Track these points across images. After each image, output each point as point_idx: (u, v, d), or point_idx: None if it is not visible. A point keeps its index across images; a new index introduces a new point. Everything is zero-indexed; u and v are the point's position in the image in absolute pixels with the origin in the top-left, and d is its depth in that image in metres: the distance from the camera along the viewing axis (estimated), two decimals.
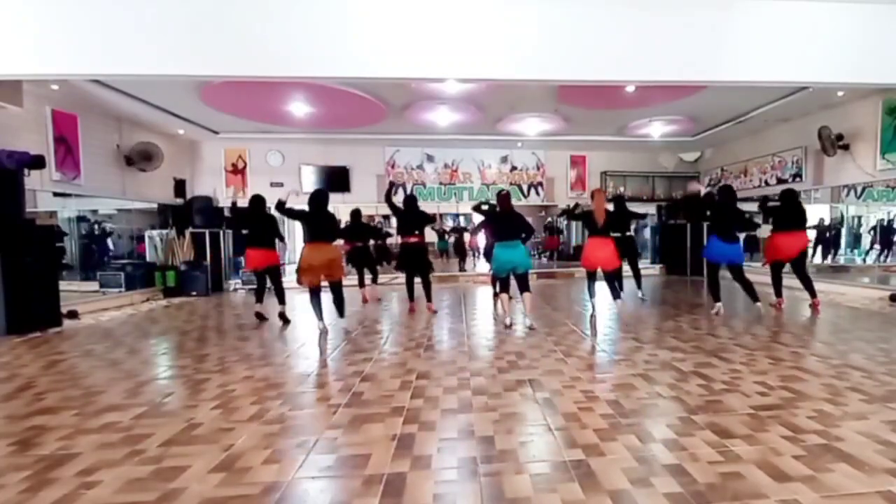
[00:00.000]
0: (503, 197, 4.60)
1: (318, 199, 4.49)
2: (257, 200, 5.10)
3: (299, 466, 1.82)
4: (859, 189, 9.50)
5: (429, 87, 5.93)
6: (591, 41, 3.62)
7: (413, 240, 5.37)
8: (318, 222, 4.44)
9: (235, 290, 8.23)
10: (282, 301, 5.02)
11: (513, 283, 4.65)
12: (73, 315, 5.43)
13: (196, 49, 3.39)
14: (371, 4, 3.48)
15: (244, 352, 3.71)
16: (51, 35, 3.32)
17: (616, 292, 4.94)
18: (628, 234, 5.94)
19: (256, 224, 5.03)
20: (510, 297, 4.67)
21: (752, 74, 3.78)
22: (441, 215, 11.26)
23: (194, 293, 7.44)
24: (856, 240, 10.84)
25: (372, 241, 7.19)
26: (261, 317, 5.04)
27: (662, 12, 3.63)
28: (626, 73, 3.75)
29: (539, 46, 3.59)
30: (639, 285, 6.17)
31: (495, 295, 4.83)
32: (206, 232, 8.06)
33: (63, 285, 5.55)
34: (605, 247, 4.81)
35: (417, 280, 5.58)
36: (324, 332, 4.30)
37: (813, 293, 5.15)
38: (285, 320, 4.87)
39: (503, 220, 4.52)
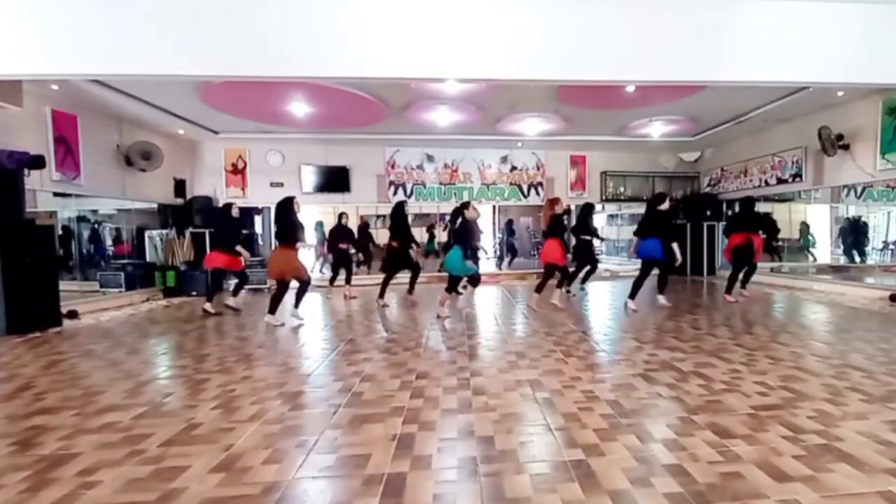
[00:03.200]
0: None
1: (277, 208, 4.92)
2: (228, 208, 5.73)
3: (299, 466, 1.82)
4: (859, 189, 9.50)
5: (429, 87, 5.93)
6: (591, 41, 3.62)
7: (394, 244, 6.06)
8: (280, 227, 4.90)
9: None
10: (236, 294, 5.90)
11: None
12: (72, 315, 5.43)
13: (196, 49, 3.38)
14: (371, 4, 3.47)
15: (244, 352, 3.71)
16: (52, 35, 3.31)
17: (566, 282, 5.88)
18: (584, 238, 6.68)
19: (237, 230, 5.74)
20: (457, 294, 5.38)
21: (752, 74, 3.77)
22: (441, 215, 11.25)
23: (194, 293, 7.44)
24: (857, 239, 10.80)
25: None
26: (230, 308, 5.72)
27: (662, 12, 3.63)
28: (626, 73, 3.75)
29: (539, 46, 3.58)
30: (569, 283, 6.66)
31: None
32: (206, 232, 8.06)
33: (63, 285, 5.55)
34: (547, 246, 5.56)
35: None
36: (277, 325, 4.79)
37: (740, 286, 5.99)
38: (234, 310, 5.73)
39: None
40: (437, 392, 2.64)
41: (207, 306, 5.54)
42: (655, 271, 5.44)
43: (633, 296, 5.34)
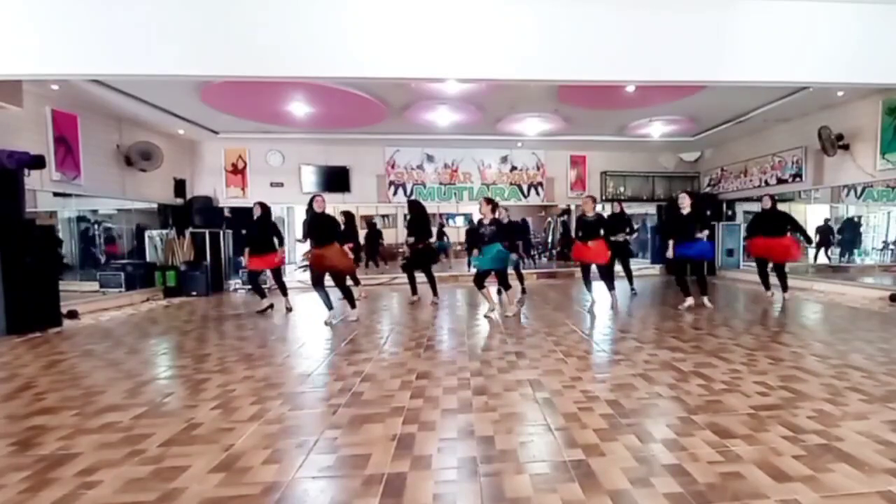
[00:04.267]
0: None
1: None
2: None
3: (299, 466, 1.82)
4: (859, 189, 9.51)
5: (429, 87, 5.93)
6: (591, 41, 3.62)
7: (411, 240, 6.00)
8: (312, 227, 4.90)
9: (235, 290, 8.22)
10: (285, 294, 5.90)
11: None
12: (72, 315, 5.43)
13: (196, 49, 3.38)
14: (371, 4, 3.47)
15: (244, 352, 3.71)
16: (51, 35, 3.31)
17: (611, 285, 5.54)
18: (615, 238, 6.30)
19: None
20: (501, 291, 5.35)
21: (752, 74, 3.77)
22: (441, 215, 11.26)
23: (194, 293, 7.44)
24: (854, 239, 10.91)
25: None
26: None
27: (662, 12, 3.63)
28: (626, 73, 3.75)
29: (539, 46, 3.58)
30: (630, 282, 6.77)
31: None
32: (206, 232, 8.06)
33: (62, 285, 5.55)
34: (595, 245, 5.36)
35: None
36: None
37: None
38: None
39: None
40: (437, 392, 2.64)
41: (286, 302, 5.72)
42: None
43: (704, 292, 5.36)
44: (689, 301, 5.33)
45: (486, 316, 4.98)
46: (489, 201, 5.08)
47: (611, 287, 5.44)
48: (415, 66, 3.58)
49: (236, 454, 1.93)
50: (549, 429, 2.12)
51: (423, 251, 6.03)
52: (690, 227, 5.25)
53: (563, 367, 3.10)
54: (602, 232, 5.31)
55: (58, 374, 3.17)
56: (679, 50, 3.66)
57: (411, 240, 5.99)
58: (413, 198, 6.76)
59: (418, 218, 6.03)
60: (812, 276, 8.23)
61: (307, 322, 4.98)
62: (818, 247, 10.53)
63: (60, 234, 8.15)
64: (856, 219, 10.86)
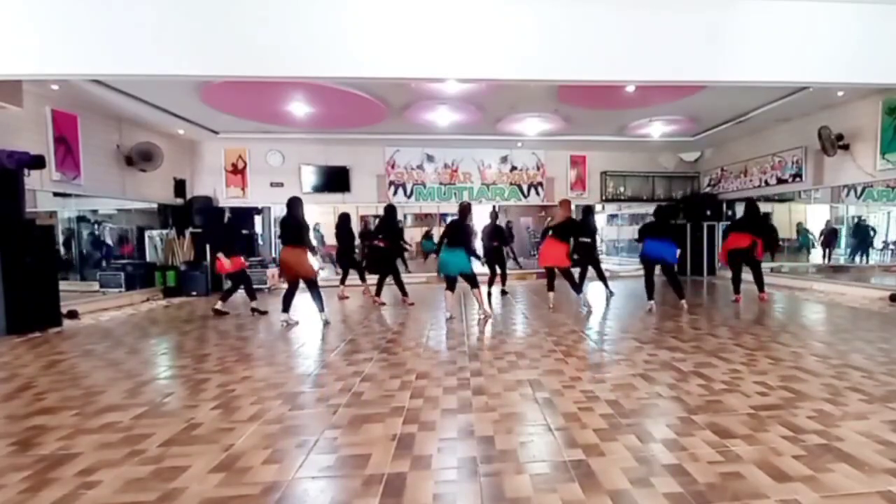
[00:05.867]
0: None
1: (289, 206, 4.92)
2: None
3: (299, 466, 1.82)
4: (859, 189, 9.52)
5: (429, 87, 5.92)
6: (591, 41, 3.61)
7: (380, 244, 6.16)
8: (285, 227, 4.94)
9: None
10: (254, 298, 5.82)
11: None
12: (72, 315, 5.43)
13: (196, 49, 3.38)
14: (371, 4, 3.47)
15: (244, 352, 3.71)
16: (51, 35, 3.31)
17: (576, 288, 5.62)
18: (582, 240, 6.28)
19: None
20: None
21: (751, 74, 3.77)
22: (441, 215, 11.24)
23: (194, 293, 7.44)
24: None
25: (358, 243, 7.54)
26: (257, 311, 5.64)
27: (662, 12, 3.62)
28: (626, 73, 3.75)
29: (539, 46, 3.58)
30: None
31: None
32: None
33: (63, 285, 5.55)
34: (558, 247, 5.42)
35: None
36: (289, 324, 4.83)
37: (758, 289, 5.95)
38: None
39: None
40: (437, 392, 2.64)
41: (253, 304, 5.69)
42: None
43: (680, 296, 5.36)
44: (651, 304, 5.33)
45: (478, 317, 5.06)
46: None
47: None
48: (415, 66, 3.57)
49: (236, 454, 1.93)
50: (549, 429, 2.12)
51: (385, 253, 6.13)
52: (663, 229, 5.36)
53: (563, 367, 3.10)
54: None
55: (58, 374, 3.17)
56: (679, 50, 3.66)
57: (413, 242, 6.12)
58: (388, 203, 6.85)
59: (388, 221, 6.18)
60: (812, 276, 8.24)
61: (307, 322, 4.97)
62: (823, 248, 10.56)
63: (59, 234, 8.15)
64: (861, 220, 10.89)
